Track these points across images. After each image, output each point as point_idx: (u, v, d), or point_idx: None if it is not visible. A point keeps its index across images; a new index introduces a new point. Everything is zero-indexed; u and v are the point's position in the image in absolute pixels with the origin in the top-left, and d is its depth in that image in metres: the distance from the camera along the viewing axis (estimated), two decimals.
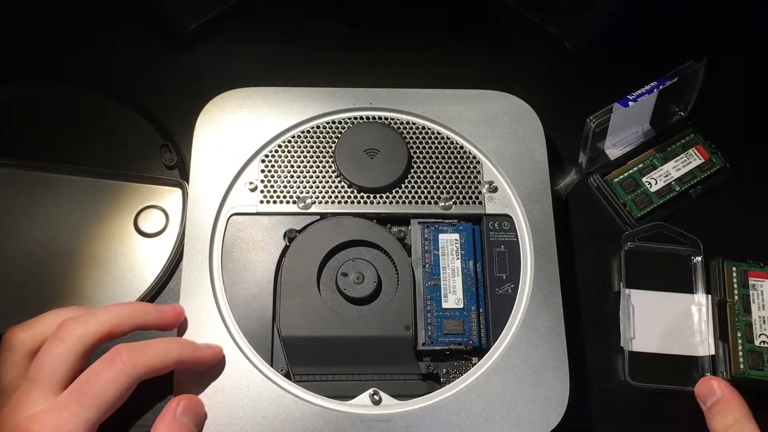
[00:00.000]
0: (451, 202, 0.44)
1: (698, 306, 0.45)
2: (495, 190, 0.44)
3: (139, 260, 0.46)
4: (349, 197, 0.44)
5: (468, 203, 0.44)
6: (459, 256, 0.42)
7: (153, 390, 0.40)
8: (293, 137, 0.45)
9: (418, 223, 0.44)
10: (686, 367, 0.44)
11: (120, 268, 0.46)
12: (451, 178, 0.45)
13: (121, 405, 0.34)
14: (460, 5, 0.55)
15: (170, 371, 0.37)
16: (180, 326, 0.40)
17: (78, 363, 0.35)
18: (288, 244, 0.43)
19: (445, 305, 0.42)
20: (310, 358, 0.40)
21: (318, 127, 0.45)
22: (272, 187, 0.44)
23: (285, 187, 0.44)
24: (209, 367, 0.38)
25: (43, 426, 0.33)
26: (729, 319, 0.43)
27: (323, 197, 0.44)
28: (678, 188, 0.48)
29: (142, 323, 0.38)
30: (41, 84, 0.51)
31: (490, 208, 0.44)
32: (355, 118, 0.46)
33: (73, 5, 0.53)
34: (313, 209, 0.43)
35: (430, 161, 0.45)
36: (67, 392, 0.34)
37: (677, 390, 0.43)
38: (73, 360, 0.35)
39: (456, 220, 0.44)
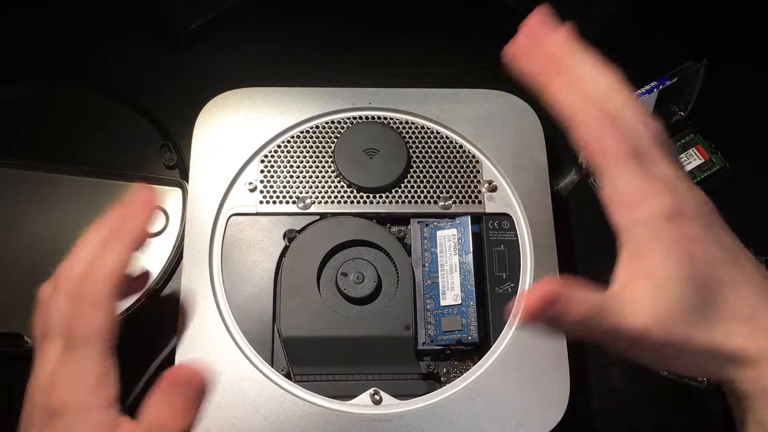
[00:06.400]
0: (450, 202, 0.44)
1: None
2: (494, 189, 0.44)
3: (139, 260, 0.46)
4: (348, 197, 0.44)
5: (467, 203, 0.44)
6: (457, 252, 0.42)
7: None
8: (292, 137, 0.45)
9: (418, 222, 0.44)
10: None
11: None
12: (450, 177, 0.45)
13: None
14: (460, 5, 0.55)
15: None
16: (179, 326, 0.40)
17: None
18: (288, 244, 0.43)
19: (443, 302, 0.42)
20: (310, 358, 0.40)
21: (317, 127, 0.45)
22: (272, 187, 0.44)
23: (284, 187, 0.44)
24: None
25: None
26: None
27: (323, 197, 0.44)
28: None
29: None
30: (41, 84, 0.51)
31: (490, 207, 0.44)
32: (355, 118, 0.46)
33: (73, 5, 0.53)
34: (312, 209, 0.43)
35: (430, 161, 0.45)
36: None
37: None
38: None
39: (455, 218, 0.44)
